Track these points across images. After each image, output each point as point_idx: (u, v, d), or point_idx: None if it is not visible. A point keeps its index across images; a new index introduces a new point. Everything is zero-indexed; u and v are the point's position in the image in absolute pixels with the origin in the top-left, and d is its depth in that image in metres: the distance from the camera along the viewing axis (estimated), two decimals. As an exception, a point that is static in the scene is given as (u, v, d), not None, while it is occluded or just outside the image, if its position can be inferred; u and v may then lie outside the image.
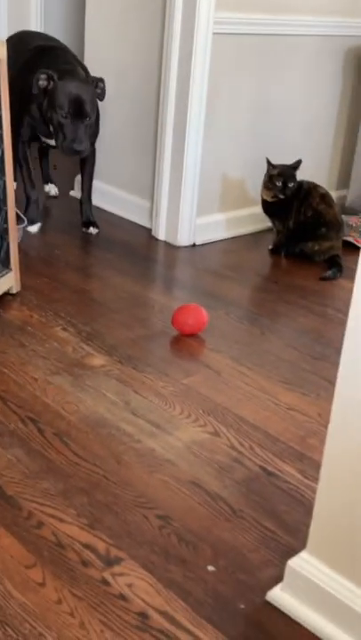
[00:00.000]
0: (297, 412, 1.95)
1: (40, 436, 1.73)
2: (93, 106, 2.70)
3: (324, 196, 2.95)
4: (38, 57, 2.85)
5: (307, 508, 1.58)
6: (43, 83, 2.65)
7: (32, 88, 2.67)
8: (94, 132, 2.86)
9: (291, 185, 2.88)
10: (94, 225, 3.06)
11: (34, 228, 2.96)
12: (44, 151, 3.40)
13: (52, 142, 2.88)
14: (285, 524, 1.54)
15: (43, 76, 2.65)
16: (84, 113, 2.66)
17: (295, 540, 1.49)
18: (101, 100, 2.77)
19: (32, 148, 3.04)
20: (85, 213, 3.08)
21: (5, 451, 1.67)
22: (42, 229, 3.05)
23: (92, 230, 3.04)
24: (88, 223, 3.06)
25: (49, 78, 2.65)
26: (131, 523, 1.50)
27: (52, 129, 2.74)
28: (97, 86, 2.73)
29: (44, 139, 2.90)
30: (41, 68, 2.74)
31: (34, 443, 1.71)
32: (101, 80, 2.75)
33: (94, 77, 2.75)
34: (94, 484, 1.60)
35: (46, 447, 1.70)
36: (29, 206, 2.98)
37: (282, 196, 2.90)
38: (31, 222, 2.96)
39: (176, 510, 1.54)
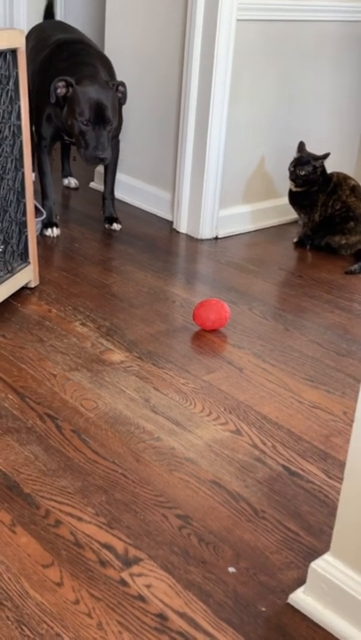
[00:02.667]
0: (321, 410, 1.94)
1: (58, 433, 1.75)
2: (115, 111, 2.66)
3: (355, 189, 2.93)
4: (58, 52, 2.83)
5: (331, 508, 1.57)
6: (61, 90, 2.63)
7: (51, 87, 2.64)
8: (116, 128, 2.82)
9: (302, 173, 2.86)
10: (117, 221, 3.05)
11: (54, 233, 2.93)
12: (66, 146, 3.41)
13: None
14: (309, 525, 1.53)
15: (60, 84, 2.61)
16: (106, 119, 2.63)
17: (319, 541, 1.48)
18: (123, 103, 2.75)
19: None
20: (108, 209, 3.07)
21: (23, 447, 1.69)
22: (61, 222, 3.06)
23: (116, 226, 3.03)
24: (111, 219, 3.06)
25: (67, 85, 2.62)
26: (150, 522, 1.50)
27: (73, 136, 2.70)
28: (117, 90, 2.70)
29: (67, 137, 2.88)
30: (60, 65, 2.73)
31: (52, 440, 1.72)
32: (122, 84, 2.72)
33: (114, 81, 2.72)
34: (113, 482, 1.60)
35: (64, 444, 1.71)
36: (43, 211, 2.94)
37: (294, 184, 2.90)
38: (50, 225, 2.93)
39: (196, 510, 1.55)
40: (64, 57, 2.79)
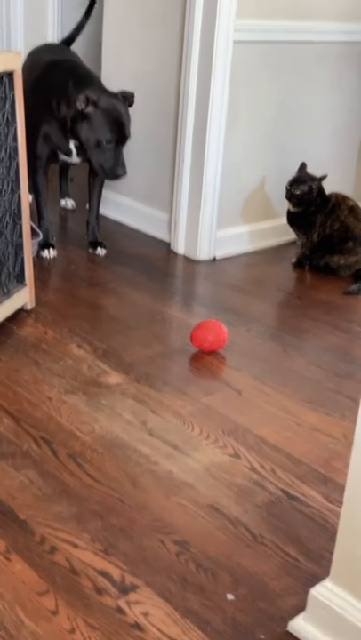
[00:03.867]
0: (321, 433, 1.94)
1: (54, 458, 1.74)
2: (130, 124, 2.73)
3: (353, 209, 2.96)
4: (51, 71, 2.86)
5: (331, 533, 1.56)
6: (81, 105, 2.65)
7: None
8: None
9: (297, 192, 2.90)
10: (102, 245, 3.04)
11: (50, 254, 2.95)
12: (63, 167, 3.44)
13: (72, 160, 2.91)
14: (308, 550, 1.53)
15: (81, 98, 2.64)
16: (126, 136, 2.70)
17: (318, 567, 1.48)
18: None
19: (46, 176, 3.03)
20: (93, 233, 3.07)
21: (18, 472, 1.68)
22: (58, 243, 3.07)
23: (100, 251, 3.03)
24: (95, 244, 3.05)
25: (88, 101, 2.65)
26: (147, 548, 1.50)
27: (87, 150, 2.74)
28: (129, 102, 2.75)
29: (63, 156, 2.92)
30: (56, 80, 2.78)
31: (47, 464, 1.72)
32: (132, 95, 2.77)
33: (125, 92, 2.76)
34: (109, 507, 1.60)
35: (60, 469, 1.71)
36: (40, 232, 2.96)
37: (291, 204, 2.93)
38: (47, 247, 2.95)
39: (194, 536, 1.54)
40: (60, 75, 2.83)
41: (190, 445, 1.84)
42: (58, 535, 1.51)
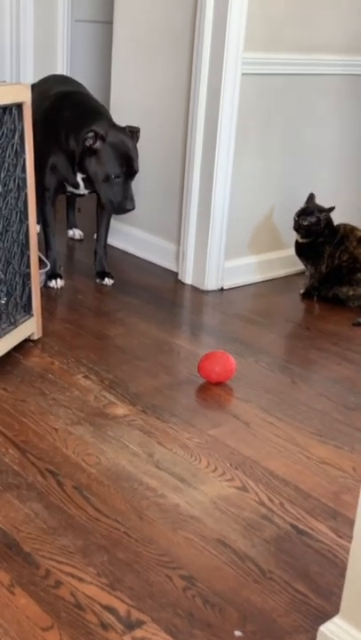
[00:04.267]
0: (330, 466, 1.93)
1: (59, 490, 1.74)
2: (138, 157, 2.77)
3: (362, 240, 2.97)
4: (60, 103, 2.91)
5: (340, 569, 1.55)
6: (90, 142, 2.69)
7: (80, 137, 2.71)
8: None
9: (304, 223, 2.92)
10: (109, 276, 3.06)
11: (58, 284, 2.98)
12: (71, 198, 3.47)
13: (79, 192, 2.95)
14: (318, 586, 1.51)
15: (90, 134, 2.68)
16: (135, 170, 2.75)
17: (328, 603, 1.46)
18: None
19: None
20: (100, 263, 3.09)
21: (23, 504, 1.68)
22: (65, 273, 3.09)
23: (107, 281, 3.04)
24: (103, 274, 3.07)
25: (97, 136, 2.69)
26: (153, 583, 1.48)
27: (96, 185, 2.78)
28: (136, 137, 2.79)
29: (70, 188, 2.96)
30: (65, 113, 2.81)
31: (53, 497, 1.71)
32: (138, 130, 2.82)
33: (132, 127, 2.81)
34: (115, 541, 1.59)
35: (66, 501, 1.70)
36: (47, 262, 2.99)
37: (299, 235, 2.95)
38: (54, 277, 2.98)
39: (201, 570, 1.53)
40: (68, 108, 2.87)
41: (197, 478, 1.83)
42: (63, 569, 1.50)
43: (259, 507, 1.74)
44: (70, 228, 3.60)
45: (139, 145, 2.83)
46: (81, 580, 1.47)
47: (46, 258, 2.96)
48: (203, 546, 1.60)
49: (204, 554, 1.58)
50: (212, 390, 2.27)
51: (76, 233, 3.60)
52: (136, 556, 1.55)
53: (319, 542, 1.64)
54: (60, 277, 2.98)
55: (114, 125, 2.78)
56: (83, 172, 2.82)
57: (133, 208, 2.76)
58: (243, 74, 2.84)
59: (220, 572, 1.53)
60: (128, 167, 2.72)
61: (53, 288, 2.95)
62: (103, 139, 2.69)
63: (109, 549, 1.56)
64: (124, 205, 2.74)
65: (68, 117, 2.82)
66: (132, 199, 2.74)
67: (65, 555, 1.54)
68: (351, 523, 1.69)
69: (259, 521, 1.69)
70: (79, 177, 2.86)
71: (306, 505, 1.76)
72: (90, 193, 2.96)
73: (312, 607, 1.45)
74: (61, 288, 2.96)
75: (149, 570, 1.51)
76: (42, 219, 2.96)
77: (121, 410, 2.11)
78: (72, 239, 3.59)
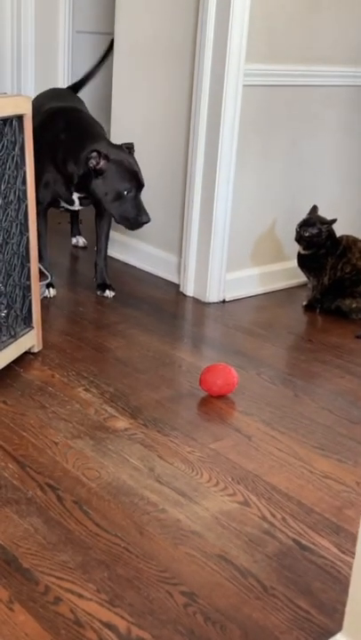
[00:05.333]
0: (333, 481, 1.92)
1: (59, 505, 1.74)
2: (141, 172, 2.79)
3: (365, 253, 2.98)
4: (54, 120, 2.91)
5: (343, 585, 1.54)
6: (94, 162, 2.70)
7: (81, 159, 2.72)
8: None
9: (306, 234, 2.94)
10: (110, 288, 3.07)
11: (51, 293, 2.98)
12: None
13: (74, 208, 2.98)
14: (320, 602, 1.50)
15: (94, 154, 2.70)
16: (142, 184, 2.78)
17: (331, 620, 1.45)
18: None
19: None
20: (101, 275, 3.09)
21: (23, 520, 1.67)
22: (66, 285, 3.10)
23: (108, 293, 3.05)
24: (104, 286, 3.07)
25: (100, 156, 2.70)
26: (154, 600, 1.48)
27: (107, 206, 2.80)
28: (131, 152, 2.82)
29: (64, 204, 2.97)
30: (61, 135, 2.83)
31: (52, 511, 1.71)
32: (133, 145, 2.85)
33: (127, 144, 2.83)
34: (115, 556, 1.59)
35: (65, 516, 1.70)
36: (48, 274, 2.99)
37: (301, 246, 2.96)
38: (46, 286, 2.98)
39: (202, 587, 1.52)
40: (61, 126, 2.87)
41: (199, 493, 1.83)
42: (62, 585, 1.49)
43: (261, 522, 1.74)
44: (74, 235, 3.63)
45: (140, 157, 2.85)
46: (81, 596, 1.47)
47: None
48: (204, 561, 1.59)
49: (205, 570, 1.57)
50: (213, 403, 2.27)
51: (80, 240, 3.64)
52: (136, 571, 1.55)
53: (322, 558, 1.64)
54: (52, 286, 2.99)
55: (112, 144, 2.80)
56: (81, 191, 2.83)
57: (149, 220, 2.78)
58: (244, 85, 2.86)
59: (221, 588, 1.52)
60: (136, 181, 2.75)
61: (47, 297, 2.96)
62: (107, 158, 2.70)
63: (109, 565, 1.56)
64: (139, 220, 2.77)
65: (65, 139, 2.83)
66: (145, 212, 2.77)
67: (64, 570, 1.53)
68: (355, 538, 1.69)
69: (261, 536, 1.69)
70: (75, 195, 2.88)
71: (308, 520, 1.76)
72: (87, 206, 2.98)
73: (315, 624, 1.45)
74: (60, 298, 2.97)
75: (150, 586, 1.51)
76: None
77: (122, 423, 2.11)
78: (76, 247, 3.62)
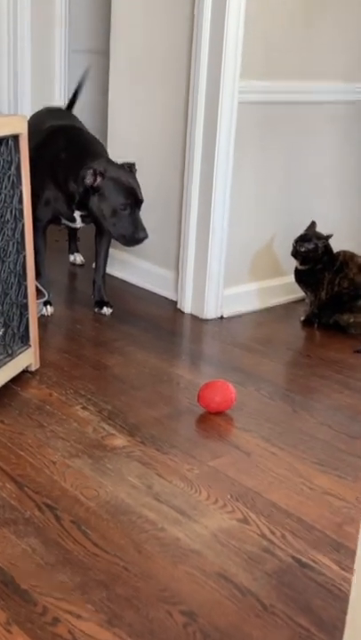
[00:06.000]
0: (333, 497, 1.92)
1: (57, 524, 1.73)
2: (140, 189, 2.80)
3: (363, 267, 2.99)
4: (54, 139, 2.93)
5: (344, 603, 1.53)
6: (90, 180, 2.72)
7: (79, 176, 2.73)
8: None
9: (301, 249, 2.96)
10: (108, 305, 3.07)
11: (48, 311, 2.99)
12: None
13: (75, 226, 2.99)
14: (321, 620, 1.50)
15: (90, 172, 2.71)
16: (140, 200, 2.78)
17: (331, 638, 1.45)
18: None
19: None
20: (99, 292, 3.09)
21: (20, 540, 1.67)
22: (63, 303, 3.11)
23: (106, 310, 3.05)
24: (101, 303, 3.07)
25: (96, 174, 2.71)
26: (153, 619, 1.47)
27: (104, 222, 2.81)
28: (131, 170, 2.83)
29: (65, 222, 2.99)
30: (62, 154, 2.84)
31: (50, 531, 1.71)
32: (134, 164, 2.86)
33: (128, 162, 2.84)
34: (114, 576, 1.58)
35: (63, 536, 1.69)
36: (45, 292, 3.00)
37: (297, 261, 2.98)
38: (44, 304, 2.98)
39: (202, 605, 1.52)
40: (62, 145, 2.89)
41: (198, 511, 1.82)
42: (60, 606, 1.49)
43: (260, 539, 1.74)
44: (72, 252, 3.65)
45: (137, 174, 2.86)
46: (79, 616, 1.46)
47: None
48: (203, 580, 1.59)
49: (204, 588, 1.57)
50: (212, 420, 2.27)
51: (77, 258, 3.64)
52: (135, 591, 1.54)
53: (322, 575, 1.63)
54: (50, 304, 3.00)
55: (111, 162, 2.82)
56: (82, 209, 2.85)
57: (146, 237, 2.78)
58: (240, 102, 2.88)
59: (221, 606, 1.52)
60: (133, 197, 2.75)
61: (44, 315, 2.96)
62: (102, 175, 2.72)
63: (108, 585, 1.55)
64: (136, 236, 2.77)
65: (65, 158, 2.84)
66: (143, 229, 2.77)
67: (63, 591, 1.53)
68: (355, 555, 1.68)
69: (260, 554, 1.68)
70: (77, 213, 2.89)
71: (308, 537, 1.75)
72: (88, 224, 2.99)
73: (315, 642, 1.44)
74: (57, 316, 2.98)
75: (149, 605, 1.50)
76: (34, 245, 2.98)
77: (120, 441, 2.11)
78: (73, 264, 3.63)
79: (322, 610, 1.53)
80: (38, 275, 3.00)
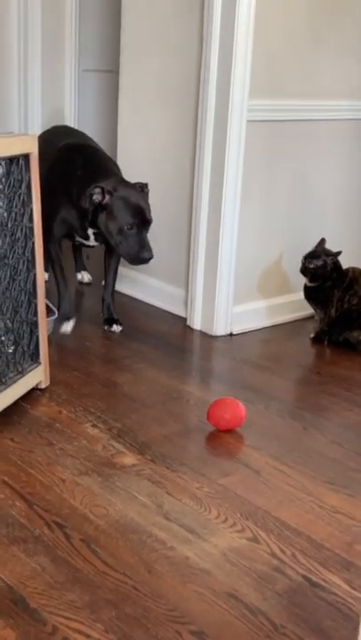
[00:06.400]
0: (343, 516, 1.91)
1: (67, 543, 1.73)
2: (150, 210, 2.81)
3: (372, 284, 2.99)
4: (69, 157, 2.96)
5: (355, 622, 1.53)
6: (97, 197, 2.74)
7: (86, 194, 2.75)
8: None
9: (310, 266, 2.96)
10: (117, 322, 3.08)
11: (68, 327, 3.01)
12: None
13: (88, 243, 3.01)
14: (332, 641, 1.49)
15: (97, 190, 2.73)
16: (148, 220, 2.78)
17: (343, 660, 1.44)
18: None
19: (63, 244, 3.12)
20: (108, 310, 3.11)
21: (30, 558, 1.67)
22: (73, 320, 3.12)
23: (116, 328, 3.07)
24: (111, 320, 3.09)
25: (104, 192, 2.73)
26: (163, 639, 1.46)
27: (111, 240, 2.83)
28: (143, 190, 2.84)
29: (78, 238, 3.01)
30: (77, 171, 2.86)
31: (60, 550, 1.71)
32: (146, 185, 2.87)
33: (140, 183, 2.86)
34: (124, 595, 1.58)
35: (73, 555, 1.69)
36: (62, 302, 3.04)
37: (306, 278, 2.98)
38: (65, 319, 3.01)
39: (212, 625, 1.51)
40: (77, 163, 2.92)
41: (207, 529, 1.82)
42: (70, 625, 1.48)
43: (270, 558, 1.73)
44: (79, 271, 3.66)
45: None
46: (88, 636, 1.46)
47: (58, 295, 3.00)
48: (213, 600, 1.58)
49: (214, 608, 1.56)
50: (221, 438, 2.27)
51: (85, 276, 3.66)
52: (145, 610, 1.54)
53: (333, 595, 1.62)
54: (71, 319, 3.02)
55: (123, 181, 2.83)
56: (95, 227, 2.86)
57: (151, 257, 2.79)
58: (248, 121, 2.90)
59: (231, 626, 1.51)
60: (140, 217, 2.76)
61: (65, 330, 2.98)
62: (111, 193, 2.73)
63: (118, 604, 1.55)
64: (141, 255, 2.77)
65: (80, 176, 2.86)
66: (149, 249, 2.77)
67: (72, 610, 1.52)
68: (366, 574, 1.67)
69: (270, 573, 1.68)
70: (90, 231, 2.91)
71: (319, 556, 1.75)
72: (100, 244, 3.01)
73: (326, 663, 1.43)
74: (70, 335, 2.99)
75: (159, 625, 1.50)
76: (50, 260, 3.00)
77: (129, 459, 2.11)
78: (81, 283, 3.64)
79: (333, 630, 1.52)
80: (60, 284, 3.04)
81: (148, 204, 2.82)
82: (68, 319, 3.01)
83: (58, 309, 2.99)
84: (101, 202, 2.74)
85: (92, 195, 2.73)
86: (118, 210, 2.75)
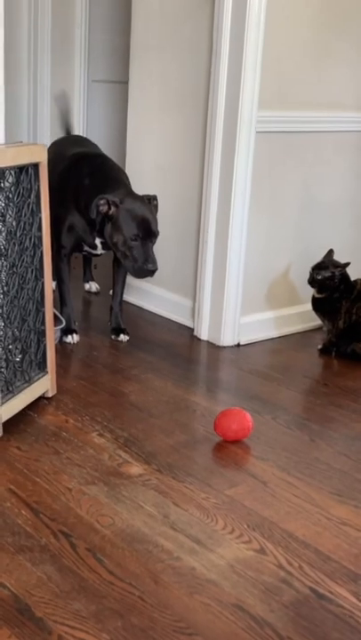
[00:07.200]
0: (351, 528, 1.91)
1: (73, 552, 1.73)
2: (157, 222, 2.80)
3: (380, 296, 2.99)
4: (78, 166, 2.97)
5: (362, 636, 1.52)
6: (103, 208, 2.74)
7: (92, 205, 2.75)
8: None
9: (318, 277, 2.97)
10: (125, 332, 3.09)
11: (73, 339, 3.01)
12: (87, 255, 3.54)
13: (96, 252, 3.01)
14: (339, 654, 1.48)
15: (102, 202, 2.73)
16: (153, 233, 2.77)
17: (350, 673, 1.43)
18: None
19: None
20: (116, 320, 3.11)
21: (36, 568, 1.67)
22: (80, 330, 3.13)
23: (123, 338, 3.07)
24: (118, 330, 3.09)
25: (109, 203, 2.73)
26: (168, 650, 1.46)
27: (116, 251, 2.83)
28: (150, 203, 2.84)
29: (87, 248, 3.02)
30: (85, 180, 2.87)
31: (66, 559, 1.71)
32: (155, 197, 2.88)
33: (149, 195, 2.86)
34: (130, 605, 1.57)
35: (79, 564, 1.69)
36: (62, 319, 3.02)
37: (314, 289, 2.98)
38: (70, 332, 3.01)
39: (218, 637, 1.51)
40: (86, 172, 2.93)
41: (214, 540, 1.82)
42: (76, 635, 1.48)
43: (277, 570, 1.72)
44: (87, 281, 3.67)
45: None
46: (94, 646, 1.46)
47: (61, 314, 3.01)
48: (220, 611, 1.58)
49: (221, 619, 1.56)
50: (228, 449, 2.27)
51: (92, 286, 3.67)
52: (151, 621, 1.53)
53: (340, 607, 1.61)
54: (76, 332, 3.02)
55: (130, 192, 2.84)
56: (102, 237, 2.87)
57: (155, 269, 2.77)
58: (257, 132, 2.91)
59: (237, 638, 1.51)
60: (145, 229, 2.75)
61: (70, 343, 2.98)
62: (116, 204, 2.73)
63: (123, 614, 1.55)
64: (145, 267, 2.75)
65: (88, 185, 2.87)
66: (153, 261, 2.74)
67: (78, 620, 1.52)
68: (373, 587, 1.67)
69: (277, 585, 1.67)
70: (98, 240, 2.92)
71: (326, 568, 1.74)
72: (108, 251, 3.02)
73: None
74: (77, 343, 3.00)
75: (164, 636, 1.50)
76: (57, 276, 3.01)
77: (136, 469, 2.11)
78: (89, 292, 3.66)
79: (340, 643, 1.51)
80: (64, 304, 3.03)
81: (155, 217, 2.81)
82: (72, 332, 3.00)
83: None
84: (107, 213, 2.75)
85: (97, 205, 2.74)
86: (123, 221, 2.75)
